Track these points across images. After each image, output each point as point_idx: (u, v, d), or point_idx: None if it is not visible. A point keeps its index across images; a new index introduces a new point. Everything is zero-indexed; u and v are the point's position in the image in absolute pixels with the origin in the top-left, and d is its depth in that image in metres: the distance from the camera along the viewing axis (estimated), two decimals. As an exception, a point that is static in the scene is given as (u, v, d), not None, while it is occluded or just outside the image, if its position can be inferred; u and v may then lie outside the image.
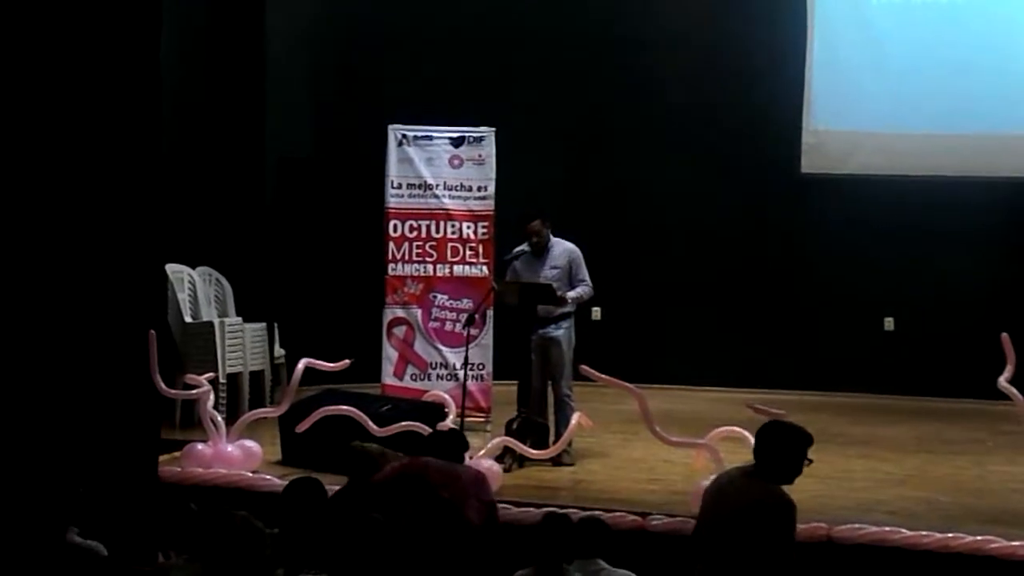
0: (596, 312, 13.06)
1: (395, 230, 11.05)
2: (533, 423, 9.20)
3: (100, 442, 7.68)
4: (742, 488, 5.86)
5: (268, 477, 8.34)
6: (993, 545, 7.03)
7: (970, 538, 7.09)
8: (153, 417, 8.93)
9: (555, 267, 9.53)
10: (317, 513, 5.77)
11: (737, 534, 5.70)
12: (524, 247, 9.61)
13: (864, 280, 13.10)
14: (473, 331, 10.17)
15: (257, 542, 4.39)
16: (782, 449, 5.98)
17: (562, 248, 9.58)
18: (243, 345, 10.92)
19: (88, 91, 8.78)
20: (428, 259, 11.06)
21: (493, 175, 11.07)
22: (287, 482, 6.71)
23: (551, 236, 9.60)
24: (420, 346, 11.04)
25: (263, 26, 12.12)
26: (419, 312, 11.05)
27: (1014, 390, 7.47)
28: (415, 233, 11.07)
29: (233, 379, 10.74)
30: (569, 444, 9.04)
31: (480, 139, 11.11)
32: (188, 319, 10.81)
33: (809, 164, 13.21)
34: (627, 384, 8.10)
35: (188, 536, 4.93)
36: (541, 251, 9.57)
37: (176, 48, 10.45)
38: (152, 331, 8.52)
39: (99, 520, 5.94)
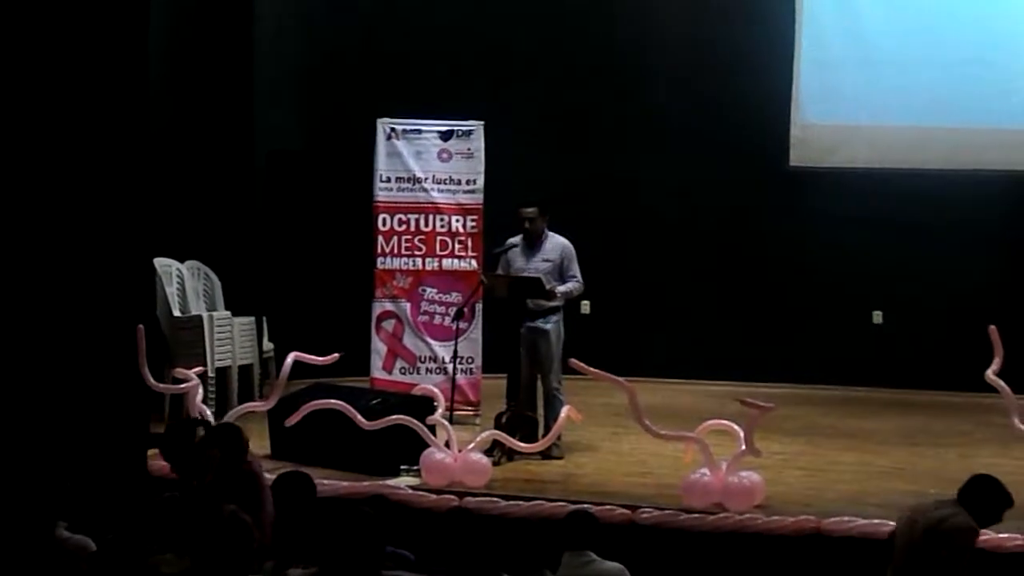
0: (585, 305, 13.06)
1: (384, 224, 11.04)
2: (522, 417, 9.20)
3: (89, 436, 7.68)
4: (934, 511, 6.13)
5: (257, 471, 8.29)
6: (981, 538, 7.03)
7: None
8: (142, 411, 8.93)
9: (547, 260, 9.52)
10: (306, 507, 5.78)
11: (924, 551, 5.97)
12: (516, 239, 9.60)
13: (852, 273, 13.12)
14: (462, 325, 10.20)
15: (245, 536, 4.40)
16: (986, 501, 6.27)
17: (555, 242, 9.57)
18: (232, 339, 10.91)
19: (75, 84, 8.76)
20: (417, 253, 11.06)
21: (482, 169, 11.07)
22: (276, 476, 6.73)
23: (546, 229, 9.58)
24: (409, 340, 11.04)
25: (252, 19, 12.10)
26: (408, 306, 11.05)
27: (1002, 383, 7.51)
28: (404, 227, 11.06)
29: (222, 373, 10.72)
30: (558, 438, 9.06)
31: (469, 133, 11.10)
32: (177, 313, 10.79)
33: (797, 158, 13.22)
34: (616, 377, 8.11)
35: (176, 529, 4.92)
36: (534, 243, 9.55)
37: (164, 40, 10.44)
38: (140, 325, 8.50)
39: (88, 515, 5.92)
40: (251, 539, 4.42)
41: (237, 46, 11.94)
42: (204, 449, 6.71)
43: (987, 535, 7.02)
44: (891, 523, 7.20)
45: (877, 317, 13.27)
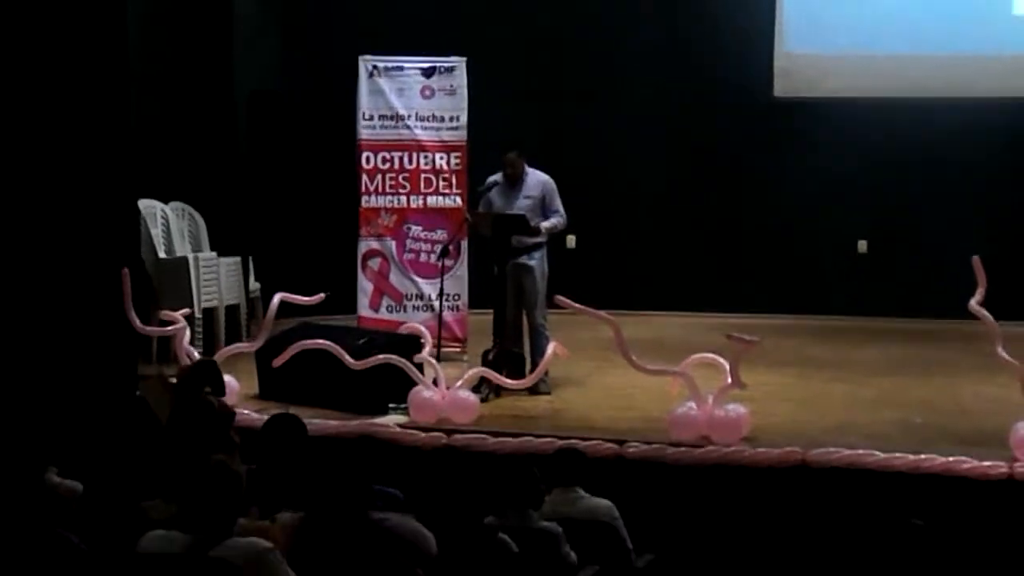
0: (571, 240, 13.07)
1: (368, 162, 11.01)
2: (509, 353, 9.22)
3: (77, 380, 7.70)
4: None
5: (245, 412, 8.31)
6: (965, 466, 7.11)
7: (941, 459, 7.17)
8: (129, 352, 8.96)
9: (529, 196, 9.51)
10: (296, 450, 5.80)
11: None
12: (498, 177, 9.59)
13: (837, 203, 13.13)
14: (448, 262, 10.19)
15: (233, 487, 4.42)
16: None
17: (536, 179, 9.55)
18: (218, 279, 10.91)
19: (54, 28, 8.71)
20: (401, 191, 11.03)
21: (465, 105, 11.02)
22: (265, 417, 6.75)
23: (526, 166, 9.57)
24: (395, 278, 11.04)
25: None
26: (393, 244, 11.04)
27: (985, 312, 7.52)
28: (388, 165, 11.03)
29: (209, 314, 10.73)
30: (545, 373, 9.09)
31: (451, 69, 11.04)
32: (162, 255, 10.77)
33: (781, 88, 13.20)
34: (601, 313, 8.13)
35: (163, 474, 4.95)
36: (516, 181, 9.55)
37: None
38: (126, 268, 8.50)
39: (78, 459, 5.94)
40: (239, 488, 4.44)
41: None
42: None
43: (969, 463, 7.11)
44: (876, 453, 7.30)
45: (862, 246, 13.31)
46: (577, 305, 8.05)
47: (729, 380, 7.84)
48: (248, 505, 4.86)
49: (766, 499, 7.30)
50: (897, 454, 7.27)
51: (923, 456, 7.22)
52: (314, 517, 4.82)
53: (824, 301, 13.06)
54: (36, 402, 7.32)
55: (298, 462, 5.64)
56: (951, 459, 7.17)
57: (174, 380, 7.03)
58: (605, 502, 6.13)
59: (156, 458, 5.28)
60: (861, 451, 7.34)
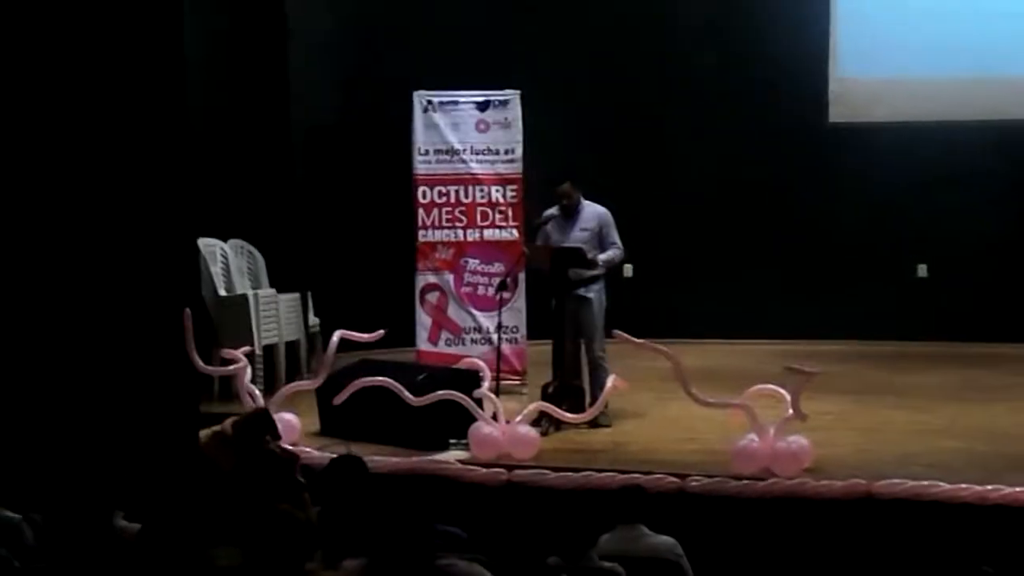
0: (628, 269, 13.04)
1: (424, 196, 11.07)
2: (568, 387, 9.21)
3: (141, 423, 7.75)
4: None
5: (307, 449, 8.38)
6: (964, 492, 7.05)
7: (1008, 490, 7.10)
8: (192, 392, 9.01)
9: (585, 229, 9.51)
10: (358, 493, 5.82)
11: None
12: (554, 210, 9.60)
13: (896, 227, 13.06)
14: (505, 295, 10.20)
15: (300, 535, 4.44)
16: None
17: (593, 211, 9.55)
18: (277, 316, 10.98)
19: (114, 66, 8.80)
20: (458, 224, 11.09)
21: (520, 138, 11.08)
22: (326, 456, 6.78)
23: (582, 199, 9.57)
24: (453, 311, 11.08)
25: (284, -4, 12.11)
26: (451, 277, 11.08)
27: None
28: (444, 199, 11.09)
29: (269, 350, 10.79)
30: (605, 405, 9.06)
31: (506, 102, 11.10)
32: (222, 292, 10.85)
33: (837, 113, 13.17)
34: (661, 347, 8.11)
35: (228, 521, 4.97)
36: (571, 213, 9.54)
37: (200, 20, 10.45)
38: (187, 309, 8.55)
39: (144, 503, 5.99)
40: (306, 537, 4.46)
41: (271, 23, 11.94)
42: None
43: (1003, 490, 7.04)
44: (942, 484, 7.23)
45: (922, 270, 13.22)
46: (636, 340, 8.05)
47: (791, 412, 7.80)
48: (312, 550, 4.88)
49: (831, 532, 7.25)
50: (963, 485, 7.21)
51: (990, 487, 7.14)
52: (379, 565, 4.82)
53: (884, 326, 12.95)
54: (102, 446, 7.38)
55: (361, 505, 5.65)
56: (1019, 489, 7.10)
57: (230, 432, 7.06)
58: (668, 539, 6.11)
59: (222, 505, 5.31)
60: (927, 482, 7.28)
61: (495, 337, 10.18)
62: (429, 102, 11.12)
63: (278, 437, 6.99)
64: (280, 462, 6.24)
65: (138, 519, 5.79)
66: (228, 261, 11.15)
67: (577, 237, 9.45)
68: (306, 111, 12.41)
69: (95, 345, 8.20)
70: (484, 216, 11.09)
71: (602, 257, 9.38)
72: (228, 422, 7.21)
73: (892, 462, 7.98)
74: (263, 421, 6.83)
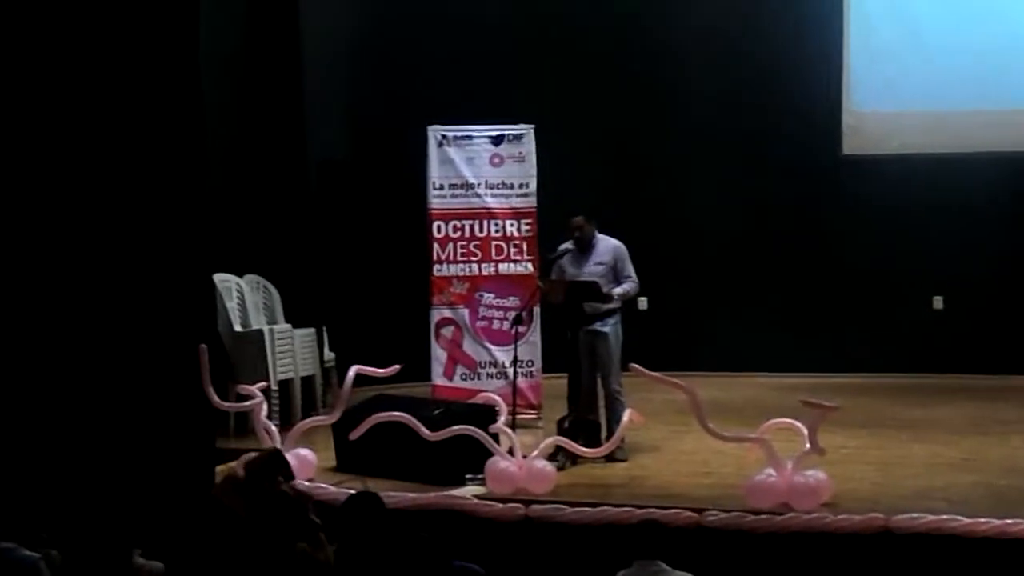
0: (643, 302, 13.02)
1: (439, 231, 11.10)
2: (584, 421, 9.21)
3: (158, 460, 7.76)
4: None
5: (324, 485, 8.38)
6: (982, 527, 7.02)
7: (1028, 524, 7.07)
8: (208, 428, 9.02)
9: (600, 263, 9.52)
10: (375, 529, 5.81)
11: None
12: (569, 244, 9.61)
13: (911, 260, 13.04)
14: (521, 329, 10.20)
15: (316, 574, 4.44)
16: None
17: (607, 244, 9.57)
18: (293, 351, 10.99)
19: (130, 104, 8.85)
20: (473, 258, 11.11)
21: (534, 172, 11.11)
22: (343, 491, 6.77)
23: (596, 233, 9.59)
24: (469, 346, 11.09)
25: (299, 30, 12.15)
26: (466, 312, 11.10)
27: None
28: (459, 233, 11.11)
29: (285, 385, 10.80)
30: (622, 440, 9.05)
31: (520, 136, 11.13)
32: (238, 328, 10.87)
33: (851, 146, 13.19)
34: (677, 381, 8.11)
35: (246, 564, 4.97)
36: (586, 247, 9.56)
37: (215, 57, 10.51)
38: (203, 345, 8.58)
39: (161, 539, 5.99)
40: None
41: (286, 59, 12.00)
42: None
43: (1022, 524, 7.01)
44: (960, 518, 7.20)
45: (938, 303, 13.19)
46: (652, 373, 8.05)
47: (808, 446, 7.78)
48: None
49: (849, 567, 7.23)
50: (982, 519, 7.17)
51: (1009, 521, 7.11)
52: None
53: (901, 359, 12.93)
54: (120, 482, 7.39)
55: (378, 542, 5.65)
56: (1037, 523, 7.07)
57: (241, 474, 7.05)
58: (686, 575, 6.08)
59: (240, 546, 5.30)
60: (945, 516, 7.25)
61: (511, 371, 10.18)
62: (443, 136, 11.16)
63: (291, 477, 6.97)
64: (293, 503, 6.23)
65: (156, 556, 5.81)
66: (244, 296, 11.17)
67: (592, 271, 9.46)
68: (321, 146, 12.46)
69: (113, 381, 8.22)
70: (499, 250, 11.11)
71: (617, 291, 9.39)
72: (239, 463, 7.20)
73: (910, 496, 7.96)
74: (275, 462, 6.81)
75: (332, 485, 8.40)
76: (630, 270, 9.55)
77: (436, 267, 11.10)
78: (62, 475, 7.45)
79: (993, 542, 7.07)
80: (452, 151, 11.14)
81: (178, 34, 8.87)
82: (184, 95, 9.18)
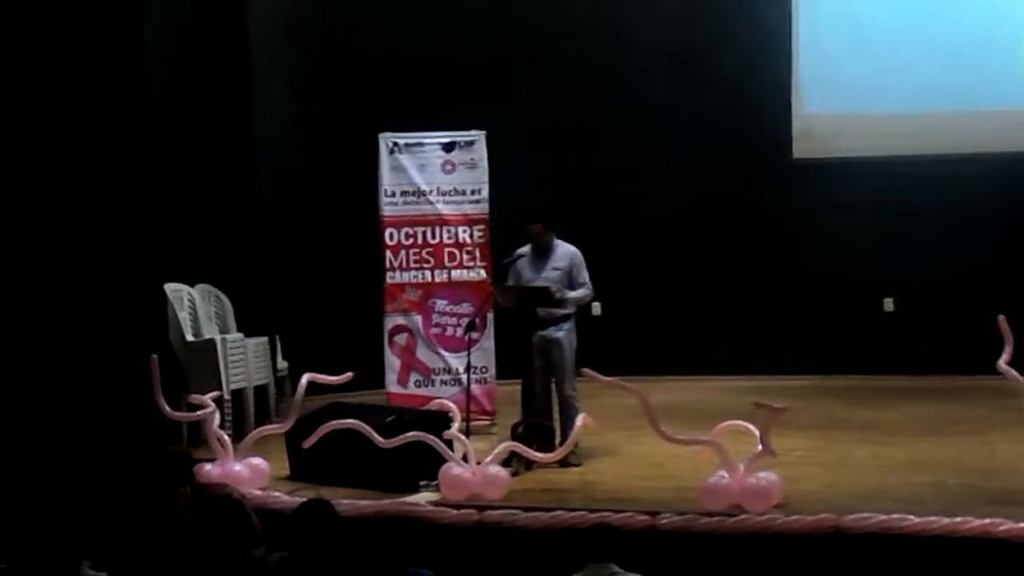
0: (596, 307, 13.05)
1: (391, 238, 11.08)
2: (538, 426, 9.21)
3: (108, 470, 7.71)
4: None
5: (277, 494, 8.35)
6: (1002, 528, 7.03)
7: (978, 522, 7.08)
8: (160, 439, 8.98)
9: (556, 268, 9.54)
10: (327, 536, 5.78)
11: None
12: (525, 249, 9.63)
13: (862, 262, 13.11)
14: (474, 335, 10.21)
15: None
16: None
17: (564, 251, 9.59)
18: (246, 360, 10.94)
19: (76, 113, 8.82)
20: (426, 265, 11.09)
21: (486, 178, 11.10)
22: (296, 500, 6.74)
23: (554, 238, 9.60)
24: (422, 352, 11.07)
25: (247, 40, 12.12)
26: (419, 319, 11.08)
27: (1014, 372, 7.51)
28: (411, 240, 11.10)
29: (238, 395, 10.75)
30: (576, 444, 9.06)
31: (471, 143, 11.13)
32: (190, 337, 10.82)
33: (801, 149, 13.27)
34: (629, 385, 8.12)
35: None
36: (544, 252, 9.58)
37: (162, 64, 10.48)
38: (154, 355, 8.53)
39: (110, 551, 5.95)
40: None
41: (234, 67, 11.97)
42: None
43: (1006, 525, 7.05)
44: (911, 517, 7.24)
45: (888, 305, 13.28)
46: (604, 378, 8.05)
47: (760, 448, 7.81)
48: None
49: (801, 567, 7.25)
50: (932, 518, 7.19)
51: (959, 519, 7.14)
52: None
53: (851, 361, 13.01)
54: (69, 494, 7.34)
55: (330, 549, 5.63)
56: (987, 521, 7.09)
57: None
58: (639, 577, 6.10)
59: (190, 553, 5.27)
60: (896, 515, 7.25)
61: (464, 378, 10.17)
62: (395, 144, 11.14)
63: (190, 481, 6.83)
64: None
65: (105, 568, 5.76)
66: (195, 306, 11.12)
67: (549, 276, 9.48)
68: (272, 154, 12.43)
69: (62, 391, 8.18)
70: (452, 257, 11.10)
71: (571, 295, 9.42)
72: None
73: (861, 497, 7.98)
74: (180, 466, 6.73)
75: (286, 494, 8.37)
76: (585, 277, 9.57)
77: (389, 274, 11.08)
78: (10, 486, 7.39)
79: (945, 541, 7.09)
80: (404, 158, 11.12)
81: (124, 43, 8.85)
82: (131, 104, 9.16)
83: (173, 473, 6.63)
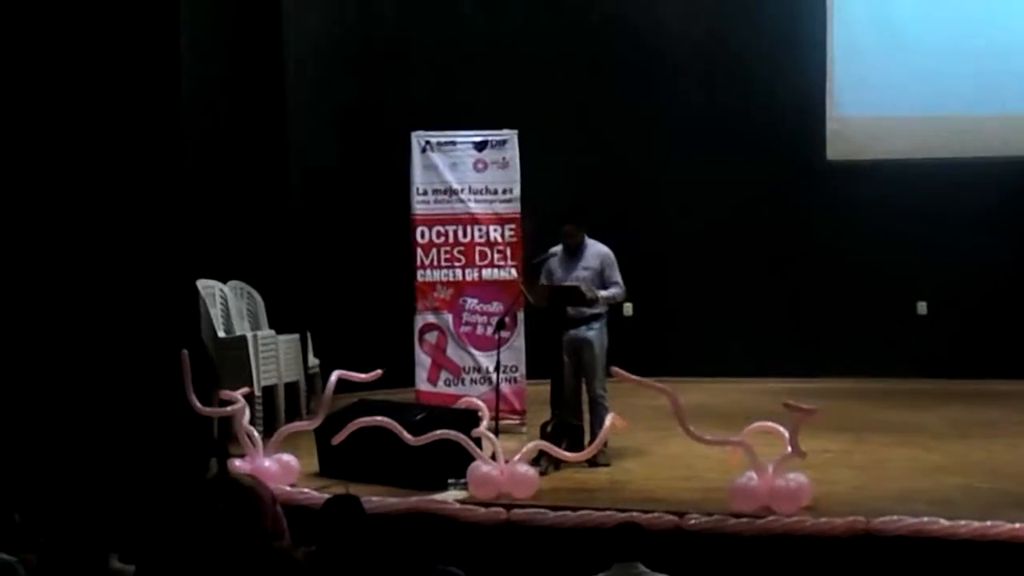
0: (628, 308, 13.02)
1: (423, 236, 11.09)
2: (567, 425, 9.19)
3: (138, 465, 7.76)
4: None
5: (306, 490, 8.37)
6: (965, 528, 7.02)
7: (1008, 526, 7.06)
8: (190, 436, 9.01)
9: (587, 268, 9.51)
10: (354, 532, 5.80)
11: None
12: (557, 248, 9.62)
13: (895, 265, 13.05)
14: (504, 333, 10.20)
15: (295, 572, 4.42)
16: None
17: (596, 250, 9.57)
18: (277, 357, 10.97)
19: (113, 111, 8.86)
20: (457, 264, 11.10)
21: (518, 177, 11.09)
22: (325, 496, 6.75)
23: (586, 238, 9.60)
24: (452, 351, 11.08)
25: (281, 37, 12.14)
26: (450, 317, 11.09)
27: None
28: (443, 239, 11.10)
29: (268, 392, 10.78)
30: (605, 444, 9.04)
31: (503, 142, 11.13)
32: (221, 334, 10.85)
33: (834, 151, 13.21)
34: (659, 385, 8.09)
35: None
36: (575, 252, 9.57)
37: (196, 62, 10.51)
38: (185, 351, 8.57)
39: (138, 544, 5.98)
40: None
41: (268, 65, 11.98)
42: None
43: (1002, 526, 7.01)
44: (941, 520, 7.20)
45: (922, 308, 13.22)
46: (634, 377, 8.04)
47: (789, 449, 7.78)
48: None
49: (830, 570, 7.22)
50: (962, 521, 7.17)
51: (989, 523, 7.11)
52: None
53: (884, 364, 12.94)
54: (99, 487, 7.38)
55: (356, 544, 5.64)
56: (1018, 525, 7.06)
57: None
58: (665, 577, 6.09)
59: (217, 545, 5.29)
60: (926, 519, 7.23)
61: (494, 376, 10.17)
62: (427, 142, 11.15)
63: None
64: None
65: (133, 560, 5.79)
66: (227, 302, 11.15)
67: (580, 276, 9.45)
68: (305, 152, 12.45)
69: (94, 386, 8.23)
70: (483, 255, 11.10)
71: (602, 293, 9.38)
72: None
73: (891, 499, 7.95)
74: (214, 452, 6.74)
75: (315, 490, 8.39)
76: (617, 277, 9.54)
77: (420, 272, 11.09)
78: (42, 479, 7.44)
79: (974, 544, 7.06)
80: (436, 156, 11.13)
81: (158, 38, 8.89)
82: (165, 101, 9.20)
83: (205, 456, 6.64)
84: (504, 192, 11.12)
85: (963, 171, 12.63)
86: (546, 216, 9.91)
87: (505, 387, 10.44)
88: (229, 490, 6.04)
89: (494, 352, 10.11)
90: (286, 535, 6.22)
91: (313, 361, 11.78)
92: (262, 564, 4.34)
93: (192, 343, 9.31)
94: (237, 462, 8.76)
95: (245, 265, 11.48)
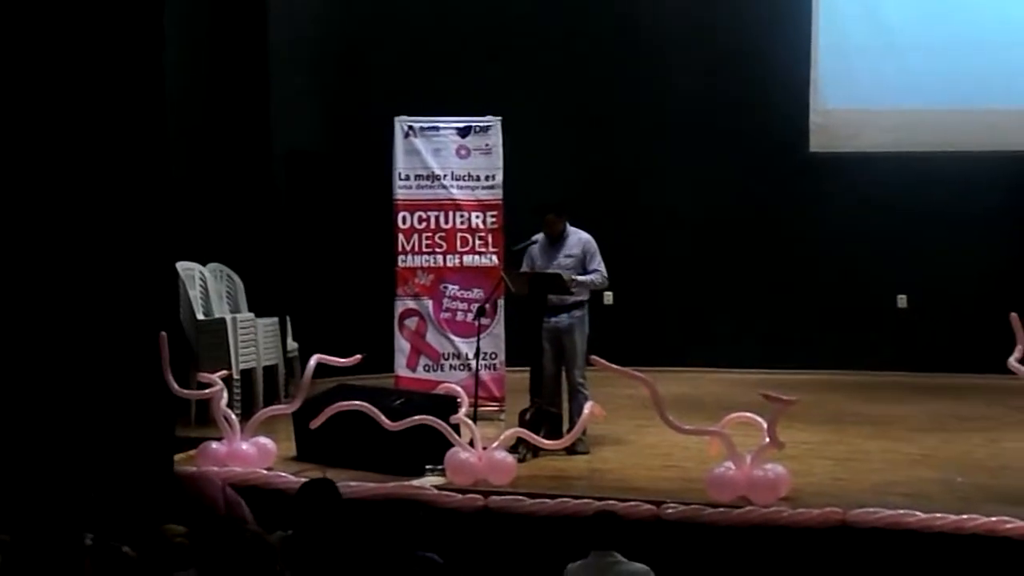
0: (608, 297, 13.03)
1: (404, 222, 11.05)
2: (546, 413, 9.20)
3: (115, 445, 7.71)
4: None
5: (283, 474, 8.36)
6: (1007, 526, 7.02)
7: (984, 519, 7.08)
8: (168, 416, 8.97)
9: (570, 255, 9.53)
10: (330, 516, 5.79)
11: None
12: (539, 236, 9.63)
13: (876, 258, 13.07)
14: (484, 320, 10.18)
15: (266, 560, 4.40)
16: None
17: (577, 238, 9.58)
18: (256, 340, 10.95)
19: (92, 89, 8.78)
20: (438, 250, 11.06)
21: (500, 164, 11.05)
22: (301, 480, 6.74)
23: (568, 226, 9.59)
24: (432, 337, 11.05)
25: (266, 20, 12.09)
26: (430, 303, 11.06)
27: (1024, 369, 7.48)
28: (424, 224, 11.07)
29: (247, 374, 10.76)
30: (583, 432, 9.04)
31: (487, 128, 11.09)
32: (200, 316, 10.82)
33: (818, 143, 13.21)
34: (638, 374, 8.08)
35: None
36: (557, 240, 9.57)
37: (180, 43, 10.44)
38: (163, 332, 8.53)
39: (114, 524, 5.95)
40: (272, 562, 4.43)
41: (253, 47, 11.94)
42: None
43: (1012, 524, 7.02)
44: (917, 513, 7.22)
45: (902, 301, 13.23)
46: (613, 366, 8.03)
47: (767, 440, 7.79)
48: (281, 572, 4.85)
49: (806, 560, 7.23)
50: (939, 514, 7.19)
51: (965, 516, 7.13)
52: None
53: (863, 357, 12.98)
54: (74, 467, 7.33)
55: (332, 528, 5.62)
56: (994, 519, 7.08)
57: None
58: (642, 567, 6.08)
59: (190, 528, 5.27)
60: (902, 511, 7.25)
61: (474, 363, 10.15)
62: (410, 127, 11.10)
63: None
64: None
65: (108, 539, 5.76)
66: (207, 285, 11.12)
67: (562, 263, 9.47)
68: (288, 135, 12.40)
69: (71, 366, 8.16)
70: (464, 242, 11.07)
71: (581, 278, 9.38)
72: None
73: (868, 491, 7.97)
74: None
75: (292, 474, 8.37)
76: (597, 263, 9.55)
77: (401, 258, 11.06)
78: (17, 459, 7.39)
79: (950, 537, 7.09)
80: (418, 142, 11.09)
81: (141, 21, 8.80)
82: (146, 82, 9.12)
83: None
84: (487, 179, 11.08)
85: (946, 165, 12.64)
86: (529, 204, 9.87)
87: (484, 374, 10.42)
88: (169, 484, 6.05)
89: (474, 339, 10.10)
90: (249, 519, 6.21)
91: (292, 345, 11.75)
92: (232, 548, 4.31)
93: (171, 325, 9.27)
94: (214, 445, 8.78)
95: (225, 248, 11.45)
